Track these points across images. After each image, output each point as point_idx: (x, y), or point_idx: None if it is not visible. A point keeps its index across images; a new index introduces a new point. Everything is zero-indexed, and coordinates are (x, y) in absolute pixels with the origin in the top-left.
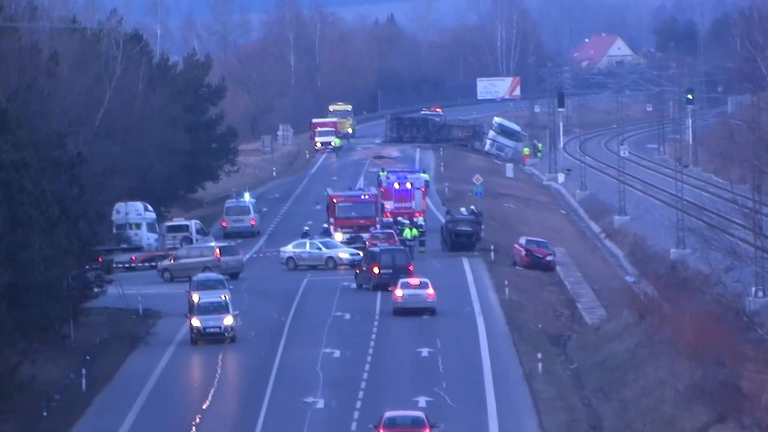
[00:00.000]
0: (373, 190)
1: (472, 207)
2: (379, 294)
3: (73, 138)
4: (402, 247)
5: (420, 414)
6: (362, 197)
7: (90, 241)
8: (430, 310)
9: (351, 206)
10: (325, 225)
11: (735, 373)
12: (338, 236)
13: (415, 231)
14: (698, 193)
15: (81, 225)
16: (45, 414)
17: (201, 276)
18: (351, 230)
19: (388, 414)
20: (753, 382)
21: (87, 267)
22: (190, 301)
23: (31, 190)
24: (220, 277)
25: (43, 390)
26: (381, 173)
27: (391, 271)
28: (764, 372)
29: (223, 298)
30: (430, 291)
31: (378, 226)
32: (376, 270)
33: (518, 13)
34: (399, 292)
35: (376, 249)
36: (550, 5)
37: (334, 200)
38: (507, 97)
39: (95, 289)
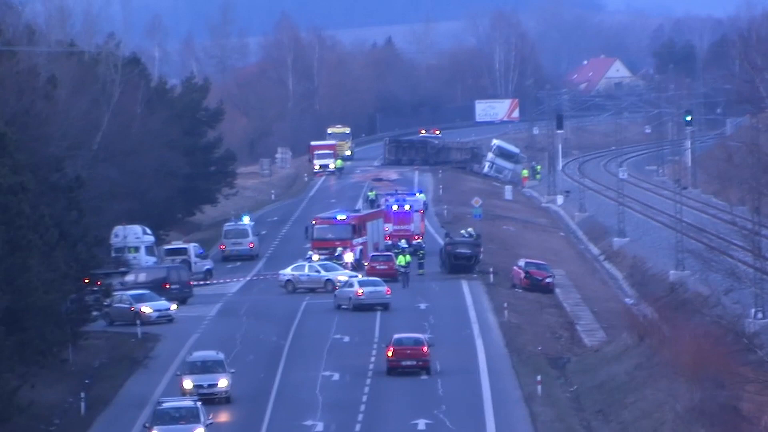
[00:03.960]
0: (352, 213)
1: (470, 229)
2: (378, 317)
3: (71, 161)
4: (183, 265)
5: (421, 336)
6: (339, 219)
7: (89, 264)
8: (385, 305)
9: (327, 228)
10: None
11: (735, 395)
12: (315, 258)
13: (408, 257)
14: (697, 215)
15: (79, 248)
16: None
17: (197, 355)
18: (327, 252)
19: (396, 336)
20: (753, 404)
21: (87, 290)
22: (181, 388)
23: (29, 213)
24: (220, 357)
25: (43, 414)
26: (370, 193)
27: (178, 286)
28: (764, 394)
29: (220, 384)
30: (387, 288)
31: (354, 248)
32: (167, 285)
33: (517, 36)
34: (360, 290)
35: (165, 267)
36: (549, 28)
37: (313, 222)
38: (505, 119)
39: (94, 313)
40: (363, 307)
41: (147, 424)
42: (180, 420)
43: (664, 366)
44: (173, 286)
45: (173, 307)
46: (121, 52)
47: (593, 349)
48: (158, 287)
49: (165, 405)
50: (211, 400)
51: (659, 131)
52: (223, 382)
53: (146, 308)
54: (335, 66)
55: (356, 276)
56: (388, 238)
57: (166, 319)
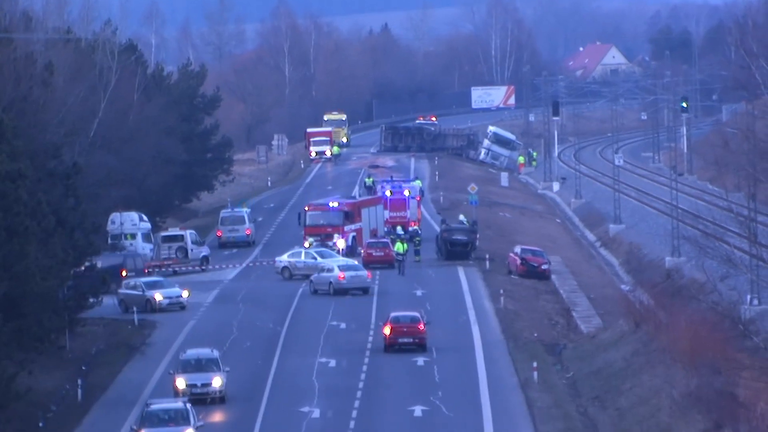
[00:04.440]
0: (346, 200)
1: (462, 216)
2: (374, 304)
3: (68, 148)
4: (140, 254)
5: (417, 314)
6: (331, 206)
7: (86, 251)
8: (366, 289)
9: (320, 214)
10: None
11: (731, 381)
12: (307, 244)
13: (405, 245)
14: (693, 202)
15: (77, 235)
16: (41, 424)
17: (190, 353)
18: (318, 238)
19: (393, 314)
20: (749, 390)
21: (84, 276)
22: (174, 387)
23: (26, 200)
24: (215, 355)
25: (40, 400)
26: (367, 179)
27: (134, 273)
28: (760, 380)
29: (215, 384)
30: (368, 273)
31: (347, 234)
32: (124, 273)
33: (513, 22)
34: (342, 274)
35: (122, 254)
36: (545, 14)
37: (306, 209)
38: (502, 105)
39: (90, 299)
40: (344, 291)
41: (134, 427)
42: (169, 422)
43: (661, 352)
44: (130, 274)
45: (185, 294)
46: (118, 39)
47: (589, 335)
48: (116, 274)
49: (153, 407)
50: (204, 400)
51: (655, 118)
52: (217, 381)
53: (158, 295)
54: (332, 53)
55: (355, 264)
56: (385, 224)
57: (178, 306)
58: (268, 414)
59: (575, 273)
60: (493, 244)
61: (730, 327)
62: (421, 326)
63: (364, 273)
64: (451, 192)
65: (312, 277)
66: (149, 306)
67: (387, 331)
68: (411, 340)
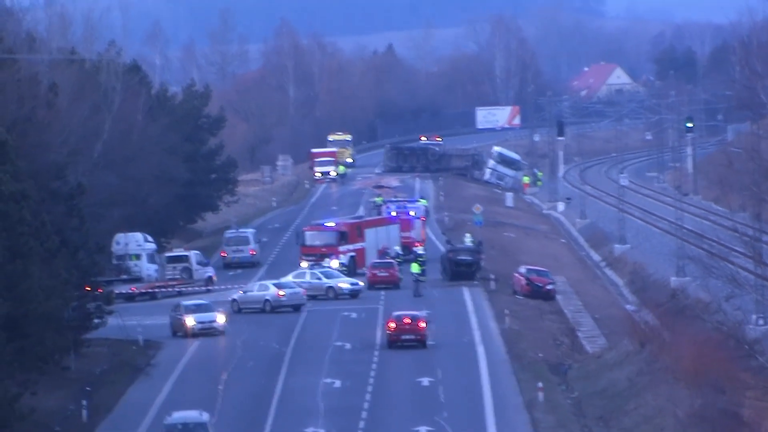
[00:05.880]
0: (347, 220)
1: (468, 234)
2: (379, 324)
3: (72, 168)
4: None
5: (418, 312)
6: (326, 226)
7: (90, 271)
8: (298, 307)
9: (316, 234)
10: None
11: (735, 401)
12: (304, 264)
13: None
14: (698, 221)
15: (81, 255)
16: None
17: (176, 417)
18: (314, 258)
19: (396, 313)
20: (753, 410)
21: (90, 297)
22: None
23: (30, 220)
24: (203, 419)
25: (44, 421)
26: (377, 199)
27: None
28: (764, 400)
29: None
30: (303, 290)
31: (346, 255)
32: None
33: (517, 42)
34: (281, 292)
35: None
36: (549, 34)
37: (304, 229)
38: (506, 126)
39: (95, 320)
40: (282, 307)
41: None
42: None
43: (665, 372)
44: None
45: (221, 318)
46: (122, 60)
47: (594, 355)
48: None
49: None
50: None
51: (660, 138)
52: None
53: (188, 320)
54: (336, 73)
55: (358, 284)
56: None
57: (216, 331)
58: None
59: (580, 293)
60: (497, 264)
61: (734, 347)
62: (422, 324)
63: (300, 291)
64: (456, 212)
65: (236, 297)
66: (185, 330)
67: (390, 328)
68: (413, 337)
